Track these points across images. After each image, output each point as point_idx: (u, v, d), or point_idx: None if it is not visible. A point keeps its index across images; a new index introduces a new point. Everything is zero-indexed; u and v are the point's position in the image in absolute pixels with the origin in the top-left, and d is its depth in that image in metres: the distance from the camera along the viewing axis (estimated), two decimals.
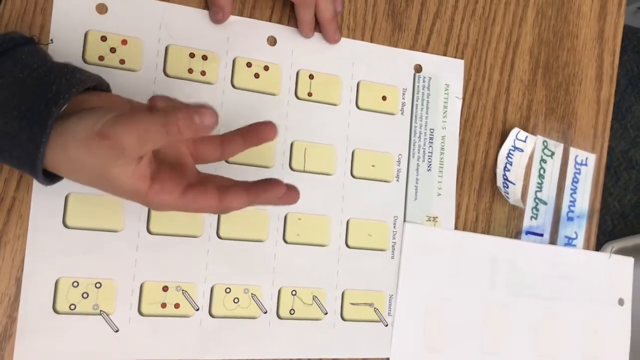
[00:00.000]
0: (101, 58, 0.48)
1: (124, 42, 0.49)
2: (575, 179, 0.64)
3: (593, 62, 0.67)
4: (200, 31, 0.51)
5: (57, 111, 0.36)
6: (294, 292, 0.52)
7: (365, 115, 0.57)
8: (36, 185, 0.46)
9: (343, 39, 0.56)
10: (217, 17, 0.51)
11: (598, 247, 0.66)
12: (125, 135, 0.36)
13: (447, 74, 0.60)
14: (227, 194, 0.40)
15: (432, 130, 0.59)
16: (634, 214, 1.69)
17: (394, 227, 0.57)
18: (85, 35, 0.48)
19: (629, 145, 1.70)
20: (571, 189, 0.64)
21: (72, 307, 0.46)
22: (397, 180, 0.57)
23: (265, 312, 0.51)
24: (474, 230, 0.60)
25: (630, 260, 0.66)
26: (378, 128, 0.57)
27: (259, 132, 0.44)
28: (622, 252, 1.53)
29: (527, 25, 0.63)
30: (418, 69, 0.59)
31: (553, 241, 0.63)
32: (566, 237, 0.64)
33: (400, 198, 0.57)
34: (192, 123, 0.34)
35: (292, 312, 0.52)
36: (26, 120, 0.36)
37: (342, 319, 0.54)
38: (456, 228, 0.59)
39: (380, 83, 0.57)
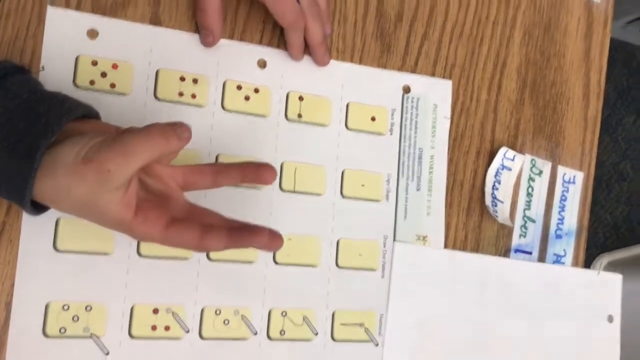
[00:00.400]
0: (92, 82, 0.49)
1: (115, 66, 0.49)
2: (563, 197, 0.65)
3: (580, 81, 0.67)
4: (191, 54, 0.52)
5: (46, 144, 0.37)
6: (284, 313, 0.53)
7: (355, 136, 0.57)
8: None
9: (332, 61, 0.57)
10: (207, 41, 0.52)
11: (590, 260, 0.67)
12: (109, 158, 0.37)
13: (436, 94, 0.60)
14: (209, 234, 0.41)
15: (420, 150, 0.59)
16: (626, 226, 1.70)
17: (384, 247, 0.57)
18: (76, 59, 0.48)
19: (619, 158, 1.71)
20: (559, 206, 0.65)
21: (63, 330, 0.46)
22: (387, 200, 0.58)
23: (256, 334, 0.52)
24: (464, 249, 0.60)
25: (618, 277, 0.67)
26: (367, 148, 0.57)
27: (260, 175, 0.45)
28: (614, 264, 1.54)
29: (514, 45, 0.64)
30: (406, 89, 0.59)
31: (542, 259, 0.64)
32: (555, 254, 0.64)
33: (390, 217, 0.58)
34: (175, 132, 0.38)
35: (283, 333, 0.52)
36: (15, 152, 0.37)
37: (333, 339, 0.54)
38: (446, 247, 0.59)
39: (369, 104, 0.58)
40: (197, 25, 0.52)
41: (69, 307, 0.47)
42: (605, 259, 1.48)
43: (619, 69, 1.71)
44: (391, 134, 0.58)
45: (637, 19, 1.55)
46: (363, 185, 0.57)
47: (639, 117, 1.73)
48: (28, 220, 0.46)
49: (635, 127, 1.73)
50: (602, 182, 1.67)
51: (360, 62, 0.58)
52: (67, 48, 0.48)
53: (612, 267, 1.45)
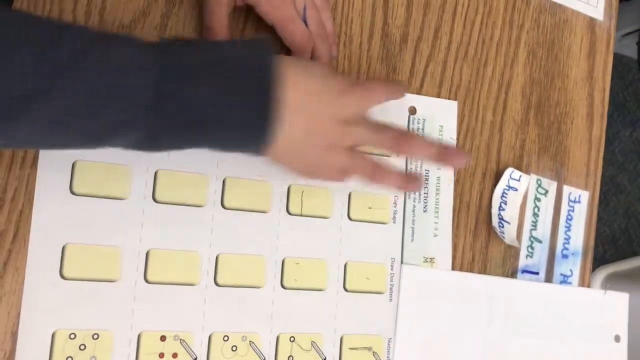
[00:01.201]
0: None
1: None
2: (569, 217, 0.65)
3: (584, 101, 0.68)
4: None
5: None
6: (292, 339, 0.52)
7: None
8: (33, 237, 0.45)
9: None
10: None
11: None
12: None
13: (441, 115, 0.60)
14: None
15: (427, 172, 0.59)
16: (624, 238, 1.70)
17: (392, 270, 0.57)
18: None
19: (617, 171, 1.72)
20: (565, 226, 0.65)
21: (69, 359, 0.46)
22: (394, 222, 0.57)
23: None
24: (471, 271, 0.60)
25: (625, 296, 0.66)
26: None
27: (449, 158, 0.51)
28: (614, 277, 1.53)
29: (518, 65, 0.64)
30: (412, 110, 0.59)
31: (549, 279, 0.64)
32: (561, 274, 0.64)
33: (397, 240, 0.57)
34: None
35: (291, 358, 0.52)
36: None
37: None
38: (453, 269, 0.59)
39: None
40: None
41: (75, 336, 0.46)
42: (602, 272, 1.48)
43: (615, 82, 1.72)
44: (397, 155, 0.58)
45: (633, 32, 1.57)
46: (370, 208, 0.57)
47: (635, 130, 1.74)
48: (34, 248, 0.45)
49: (632, 139, 1.74)
50: (600, 195, 1.67)
51: None
52: None
53: (610, 280, 1.45)
